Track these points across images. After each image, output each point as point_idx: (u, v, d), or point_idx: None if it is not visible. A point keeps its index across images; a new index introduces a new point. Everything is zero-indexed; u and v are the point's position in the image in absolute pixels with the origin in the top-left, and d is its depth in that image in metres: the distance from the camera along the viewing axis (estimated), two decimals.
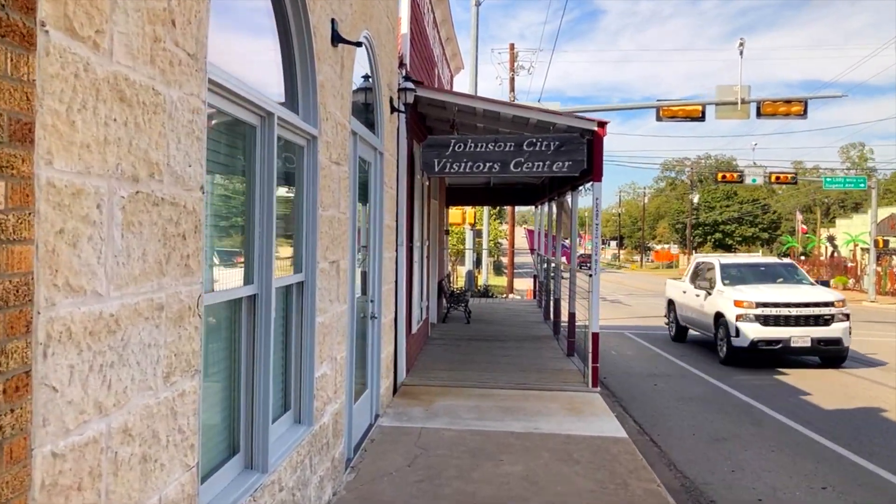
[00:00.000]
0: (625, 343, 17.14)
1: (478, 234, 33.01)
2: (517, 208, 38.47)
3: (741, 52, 21.49)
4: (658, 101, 21.63)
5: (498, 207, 39.64)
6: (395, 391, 8.53)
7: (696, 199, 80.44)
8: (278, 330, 4.08)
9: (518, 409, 7.83)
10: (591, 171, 8.96)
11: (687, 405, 10.59)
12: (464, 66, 18.42)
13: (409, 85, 7.84)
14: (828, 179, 37.94)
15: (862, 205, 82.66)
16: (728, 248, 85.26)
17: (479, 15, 26.64)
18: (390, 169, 7.67)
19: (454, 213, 23.15)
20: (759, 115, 21.73)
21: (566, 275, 12.12)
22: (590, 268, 8.98)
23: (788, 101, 21.47)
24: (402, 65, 8.79)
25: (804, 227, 74.66)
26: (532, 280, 21.99)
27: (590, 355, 8.89)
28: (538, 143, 8.87)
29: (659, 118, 21.70)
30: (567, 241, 13.38)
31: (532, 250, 21.22)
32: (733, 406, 10.55)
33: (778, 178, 36.83)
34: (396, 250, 8.78)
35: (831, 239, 60.96)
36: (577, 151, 8.80)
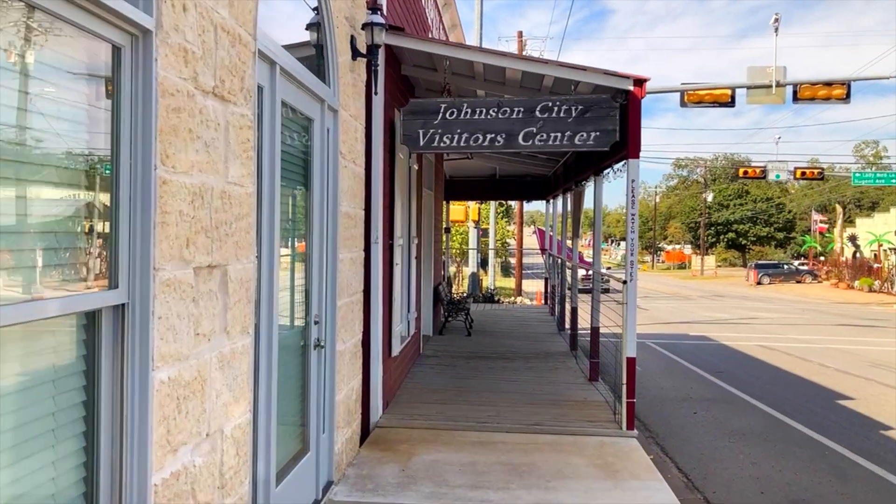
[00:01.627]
0: (649, 356, 14.95)
1: (484, 233, 30.84)
2: (525, 208, 36.25)
3: (776, 29, 19.27)
4: (683, 83, 19.41)
5: (505, 205, 37.45)
6: (364, 437, 6.39)
7: (710, 198, 78.19)
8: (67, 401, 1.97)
9: (529, 467, 5.68)
10: (626, 144, 6.81)
11: (741, 444, 8.41)
12: (465, 41, 16.26)
13: (378, 19, 5.70)
14: (856, 175, 35.77)
15: (879, 204, 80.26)
16: (742, 249, 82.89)
17: (486, 14, 24.50)
18: (351, 136, 5.54)
19: (456, 210, 21.02)
20: (795, 99, 19.48)
21: (586, 280, 9.95)
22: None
23: (830, 84, 19.20)
24: (376, 6, 6.66)
25: (822, 226, 72.14)
26: (543, 283, 19.80)
27: (624, 387, 6.74)
28: (555, 108, 6.72)
29: (683, 103, 19.44)
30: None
31: (543, 251, 19.05)
32: (799, 445, 8.36)
33: (804, 173, 34.44)
34: (367, 249, 6.65)
35: (853, 239, 58.52)
36: (606, 118, 6.65)
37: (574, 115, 6.71)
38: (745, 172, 35.14)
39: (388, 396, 7.45)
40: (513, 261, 39.17)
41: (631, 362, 6.74)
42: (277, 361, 3.84)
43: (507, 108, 6.81)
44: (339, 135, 5.15)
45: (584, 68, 6.78)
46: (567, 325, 12.17)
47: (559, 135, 6.73)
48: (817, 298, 38.10)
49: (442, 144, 6.88)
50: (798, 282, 53.02)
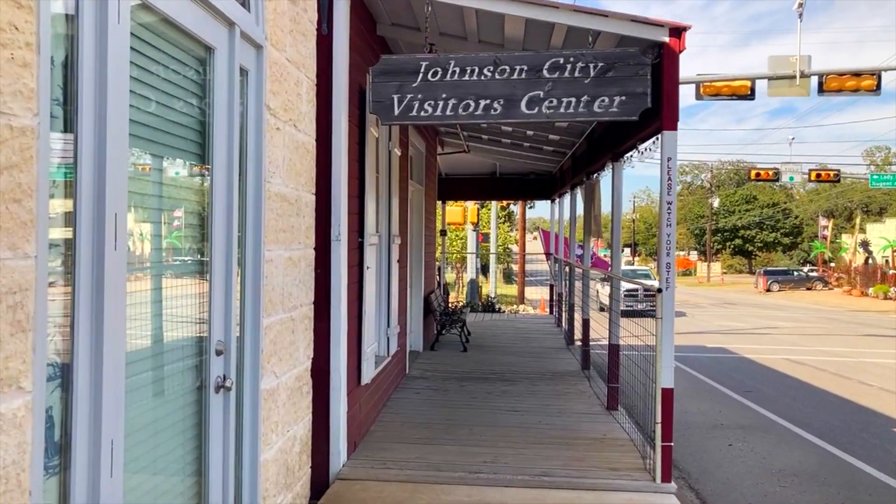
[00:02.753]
0: None
1: (484, 237, 29.27)
2: (528, 215, 34.58)
3: (800, 15, 17.76)
4: (698, 74, 17.88)
5: (507, 209, 35.90)
6: (318, 495, 4.83)
7: (716, 203, 76.61)
8: None
9: None
10: (659, 111, 5.28)
11: (795, 489, 6.84)
12: None
13: None
14: (874, 177, 34.26)
15: (887, 209, 78.70)
16: (748, 255, 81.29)
17: None
18: (288, 88, 4.00)
19: (453, 211, 19.47)
20: (821, 91, 17.94)
21: (601, 286, 8.39)
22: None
23: (858, 74, 17.68)
24: None
25: (828, 232, 70.51)
26: (548, 290, 18.25)
27: (658, 427, 5.18)
28: (568, 66, 5.18)
29: (699, 96, 17.86)
30: (599, 242, 9.67)
31: (547, 254, 17.51)
32: (870, 492, 6.78)
33: (819, 175, 32.99)
34: (323, 248, 5.12)
35: (865, 244, 56.84)
36: (635, 78, 5.11)
37: (593, 74, 5.17)
38: (759, 175, 33.69)
39: (357, 435, 5.89)
40: (515, 267, 37.58)
41: (668, 396, 5.18)
42: (124, 422, 2.29)
43: (507, 67, 5.27)
44: (266, 82, 3.61)
45: (604, 14, 5.24)
46: (577, 339, 10.63)
47: (573, 100, 5.20)
48: (832, 306, 36.51)
49: (423, 114, 5.34)
50: (808, 288, 51.45)
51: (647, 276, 29.70)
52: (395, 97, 5.35)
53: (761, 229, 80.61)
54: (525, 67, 5.25)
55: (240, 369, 3.43)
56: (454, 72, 5.30)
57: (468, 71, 5.29)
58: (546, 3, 5.28)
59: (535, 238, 60.19)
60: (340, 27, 5.25)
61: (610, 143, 7.47)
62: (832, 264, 60.40)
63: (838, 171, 34.16)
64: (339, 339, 5.24)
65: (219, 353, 3.12)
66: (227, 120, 3.22)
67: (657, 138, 5.74)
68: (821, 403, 10.80)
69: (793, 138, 57.87)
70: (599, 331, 9.14)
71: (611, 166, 7.42)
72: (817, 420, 9.62)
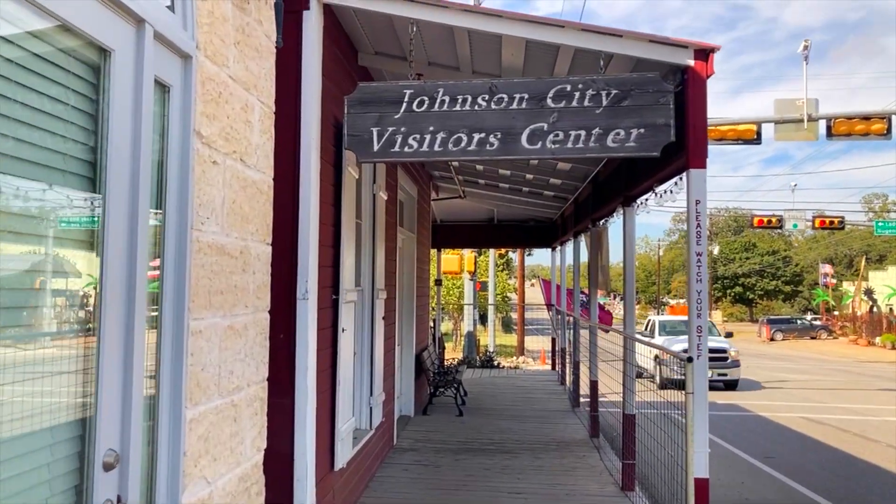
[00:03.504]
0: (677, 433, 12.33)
1: (482, 286, 28.38)
2: (526, 262, 33.66)
3: (806, 58, 17.25)
4: None
5: (505, 256, 35.10)
6: None
7: (716, 251, 75.93)
8: None
9: None
10: (684, 146, 4.49)
11: None
12: None
13: None
14: (879, 224, 33.58)
15: (887, 257, 78.14)
16: (749, 303, 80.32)
17: None
18: (232, 112, 3.19)
19: (449, 260, 18.63)
20: (829, 135, 17.34)
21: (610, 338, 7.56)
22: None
23: (868, 118, 17.09)
24: None
25: (832, 280, 69.72)
26: (549, 342, 17.30)
27: None
28: (577, 93, 4.41)
29: None
30: (619, 299, 8.75)
31: (549, 305, 16.62)
32: None
33: (823, 222, 32.35)
34: (289, 308, 4.29)
35: (869, 293, 55.94)
36: (655, 108, 4.34)
37: (605, 102, 4.40)
38: (761, 222, 33.06)
39: None
40: (514, 316, 36.59)
41: (702, 488, 4.27)
42: None
43: (504, 95, 4.50)
44: (197, 102, 2.81)
45: (618, 33, 4.49)
46: (583, 395, 9.70)
47: (583, 133, 4.41)
48: (839, 356, 35.46)
49: (407, 150, 4.54)
50: (813, 338, 50.36)
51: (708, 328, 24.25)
52: (375, 131, 4.56)
53: (762, 277, 79.91)
54: (526, 96, 4.48)
55: (148, 484, 2.54)
56: (443, 101, 4.53)
57: (459, 100, 4.52)
58: (550, 21, 4.53)
59: (532, 285, 59.32)
60: (310, 49, 4.49)
61: (621, 185, 6.68)
62: (835, 312, 59.42)
63: (842, 217, 33.52)
64: (306, 418, 4.34)
65: (108, 467, 2.24)
66: (132, 146, 2.40)
67: (680, 178, 4.95)
68: (854, 473, 9.79)
69: (795, 185, 57.63)
70: (608, 382, 8.23)
71: (622, 211, 6.61)
72: (856, 496, 8.62)
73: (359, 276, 6.28)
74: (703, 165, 4.41)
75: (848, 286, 64.97)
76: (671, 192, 5.39)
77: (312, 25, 4.52)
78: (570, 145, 4.41)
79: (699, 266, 4.38)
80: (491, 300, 22.50)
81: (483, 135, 4.49)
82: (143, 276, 2.45)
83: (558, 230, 13.62)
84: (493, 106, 4.50)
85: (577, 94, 4.44)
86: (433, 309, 15.90)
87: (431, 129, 4.52)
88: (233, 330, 3.20)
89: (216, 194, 3.02)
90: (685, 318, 17.84)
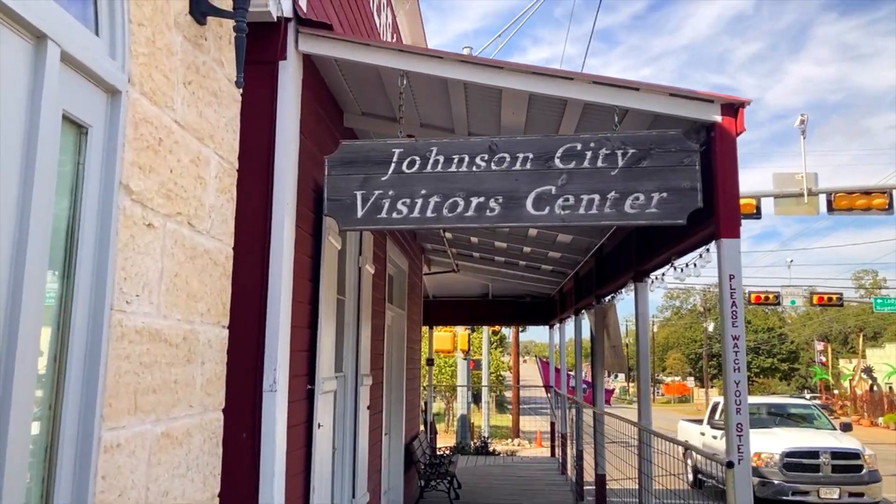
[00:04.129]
0: None
1: (476, 364, 27.47)
2: (520, 337, 32.83)
3: (803, 132, 17.07)
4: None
5: (499, 333, 34.32)
6: None
7: (710, 328, 75.16)
8: None
9: None
10: (712, 213, 3.92)
11: None
12: None
13: None
14: (878, 301, 33.13)
15: (882, 334, 77.56)
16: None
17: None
18: (178, 166, 2.60)
19: (441, 338, 17.88)
20: (830, 209, 17.02)
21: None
22: None
23: (868, 193, 16.80)
24: None
25: (828, 357, 68.83)
26: (549, 427, 16.39)
27: None
28: (588, 153, 3.87)
29: None
30: (613, 376, 8.04)
31: (547, 387, 15.81)
32: None
33: (821, 299, 31.93)
34: (253, 401, 3.61)
35: (869, 371, 55.02)
36: (678, 170, 3.79)
37: (621, 163, 3.85)
38: (759, 298, 32.59)
39: None
40: (508, 394, 35.48)
41: None
42: None
43: (506, 155, 3.94)
44: (126, 149, 2.22)
45: (634, 86, 3.97)
46: (587, 485, 8.84)
47: (596, 198, 3.83)
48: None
49: (395, 216, 3.95)
50: None
51: (809, 416, 13.99)
52: (359, 194, 3.98)
53: (757, 354, 79.03)
54: (530, 155, 3.93)
55: None
56: (437, 161, 3.97)
57: (455, 160, 3.96)
58: (556, 72, 4.02)
59: (525, 361, 58.12)
60: (287, 103, 3.96)
61: (630, 258, 6.09)
62: (835, 392, 58.35)
63: (840, 294, 33.13)
64: None
65: None
66: (18, 202, 1.78)
67: (706, 249, 4.36)
68: None
69: (791, 260, 57.47)
70: (619, 466, 7.42)
71: (633, 287, 6.00)
72: None
73: (340, 360, 5.60)
74: (736, 235, 3.83)
75: (845, 364, 64.17)
76: (695, 265, 4.81)
77: (290, 77, 4.00)
78: (582, 211, 3.83)
79: (736, 351, 3.73)
80: (485, 381, 21.60)
81: (482, 199, 3.91)
82: (28, 381, 1.79)
83: (556, 307, 12.99)
84: (494, 167, 3.94)
85: (588, 154, 3.89)
86: (424, 388, 15.08)
87: (424, 192, 3.94)
88: (169, 438, 2.51)
89: (151, 266, 2.39)
90: (778, 399, 14.93)
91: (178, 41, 2.60)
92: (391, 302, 8.40)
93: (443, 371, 29.61)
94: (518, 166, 3.93)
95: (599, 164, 3.88)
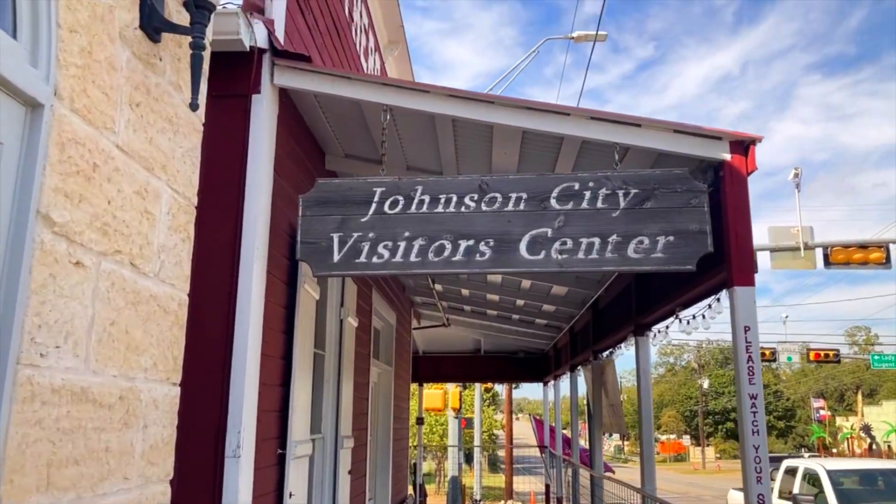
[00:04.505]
0: None
1: (468, 422, 26.72)
2: (513, 394, 32.12)
3: (797, 186, 16.95)
4: None
5: (491, 390, 33.64)
6: None
7: (706, 385, 74.33)
8: None
9: None
10: (722, 258, 3.59)
11: None
12: None
13: None
14: (876, 357, 32.72)
15: (877, 390, 76.83)
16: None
17: None
18: (117, 196, 2.25)
19: (432, 395, 17.32)
20: (827, 263, 16.81)
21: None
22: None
23: (865, 247, 16.61)
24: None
25: (825, 413, 67.99)
26: (544, 489, 15.72)
27: None
28: (587, 192, 3.55)
29: None
30: (607, 434, 7.59)
31: (542, 447, 15.23)
32: None
33: (818, 355, 31.52)
34: (215, 466, 3.19)
35: (867, 429, 54.23)
36: (686, 211, 3.47)
37: (623, 204, 3.53)
38: None
39: None
40: (501, 453, 34.53)
41: None
42: None
43: (498, 195, 3.62)
44: (47, 172, 1.87)
45: (636, 122, 3.68)
46: None
47: (597, 241, 3.50)
48: None
49: (375, 260, 3.59)
50: None
51: None
52: (336, 237, 3.63)
53: None
54: (524, 195, 3.61)
55: None
56: (422, 201, 3.64)
57: (442, 200, 3.63)
58: (552, 107, 3.73)
59: (518, 419, 57.05)
60: (260, 139, 3.64)
61: (629, 311, 5.73)
62: (834, 450, 57.39)
63: (837, 350, 32.77)
64: None
65: None
66: None
67: (716, 299, 4.01)
68: None
69: (787, 316, 57.23)
70: None
71: (634, 342, 5.62)
72: None
73: (318, 420, 5.16)
74: (750, 282, 3.49)
75: (841, 421, 63.35)
76: (703, 316, 4.45)
77: (264, 112, 3.70)
78: (581, 255, 3.49)
79: (755, 412, 3.35)
80: (477, 440, 20.91)
81: (472, 242, 3.57)
82: None
83: (551, 363, 12.55)
84: (485, 207, 3.61)
85: (587, 194, 3.57)
86: (414, 447, 14.48)
87: (407, 234, 3.60)
88: None
89: (78, 312, 2.01)
90: (867, 463, 11.40)
91: (123, 56, 2.28)
92: (377, 357, 7.97)
93: (434, 430, 28.80)
94: (511, 207, 3.60)
95: (599, 204, 3.55)
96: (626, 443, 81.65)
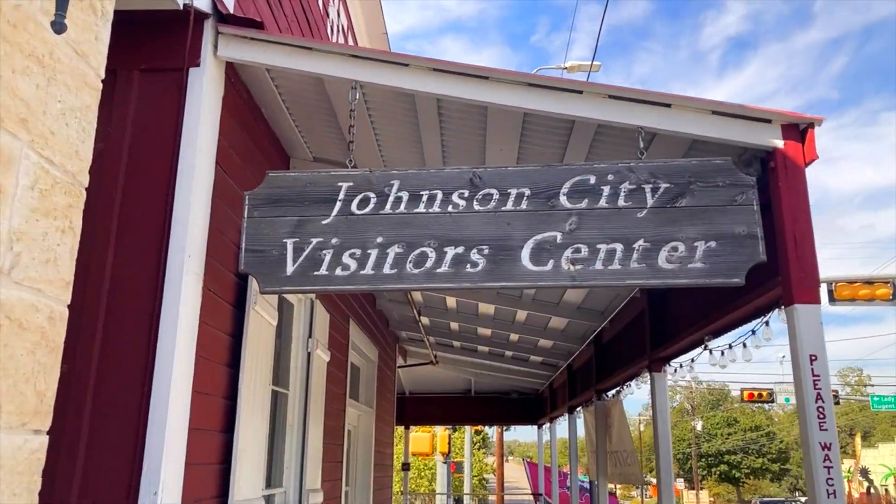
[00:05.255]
0: None
1: (458, 467, 25.61)
2: (505, 436, 30.97)
3: None
4: None
5: (482, 432, 32.53)
6: None
7: (699, 427, 73.00)
8: None
9: None
10: (779, 269, 2.85)
11: None
12: None
13: None
14: (875, 398, 31.91)
15: (871, 433, 75.81)
16: (735, 481, 76.16)
17: None
18: None
19: (419, 438, 16.34)
20: (832, 299, 16.16)
21: None
22: None
23: (871, 283, 15.97)
24: None
25: None
26: None
27: None
28: (606, 187, 2.83)
29: None
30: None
31: (536, 496, 14.26)
32: None
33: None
34: None
35: (865, 472, 53.05)
36: (730, 210, 2.75)
37: (651, 202, 2.80)
38: (752, 395, 31.37)
39: None
40: (492, 498, 33.24)
41: None
42: None
43: (494, 191, 2.89)
44: None
45: (665, 101, 2.97)
46: None
47: (619, 248, 2.76)
48: None
49: (340, 273, 2.83)
50: None
51: None
52: (290, 244, 2.87)
53: (747, 454, 76.66)
54: (527, 191, 2.88)
55: None
56: (399, 199, 2.90)
57: (424, 198, 2.90)
58: (561, 83, 3.02)
59: (508, 461, 55.66)
60: (199, 121, 2.91)
61: (644, 342, 4.96)
62: None
63: (836, 391, 31.97)
64: None
65: None
66: None
67: (764, 322, 3.26)
68: None
69: (783, 356, 56.39)
70: None
71: (649, 378, 4.84)
72: None
73: (279, 472, 4.33)
74: (815, 299, 2.75)
75: (855, 464, 62.22)
76: (745, 345, 3.67)
77: (205, 90, 2.97)
78: (598, 266, 2.75)
79: (829, 467, 2.57)
80: (467, 486, 19.84)
81: (461, 250, 2.82)
82: None
83: (546, 404, 11.69)
84: (477, 206, 2.87)
85: (606, 190, 2.84)
86: (400, 494, 13.50)
87: (380, 240, 2.85)
88: None
89: None
90: None
91: None
92: (356, 398, 7.15)
93: (422, 474, 27.61)
94: (510, 206, 2.86)
95: (622, 202, 2.82)
96: (618, 487, 79.82)
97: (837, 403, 32.61)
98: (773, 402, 31.31)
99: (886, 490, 49.70)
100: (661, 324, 4.64)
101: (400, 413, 12.11)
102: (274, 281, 2.84)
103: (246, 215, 2.91)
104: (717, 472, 76.26)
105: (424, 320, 8.18)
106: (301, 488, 4.53)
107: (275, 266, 2.84)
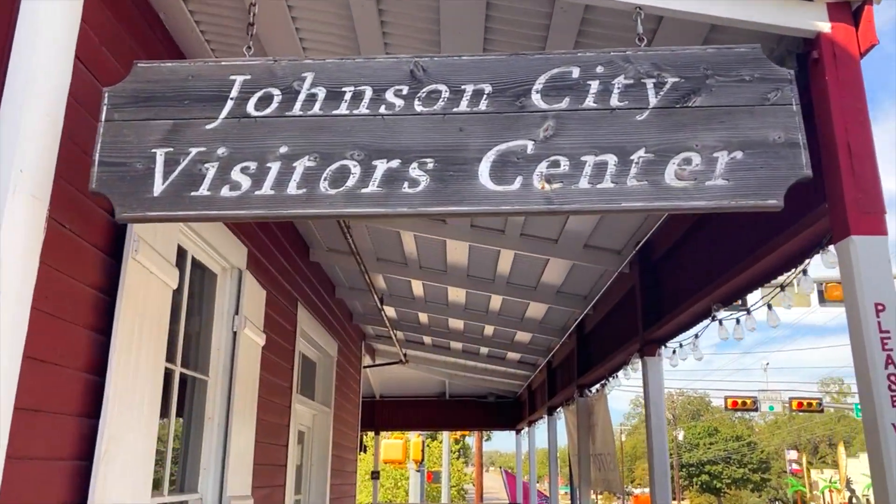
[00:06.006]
0: None
1: (435, 476, 24.75)
2: (485, 446, 30.18)
3: None
4: None
5: (461, 441, 31.64)
6: None
7: (681, 436, 72.51)
8: None
9: None
10: (826, 191, 2.11)
11: None
12: None
13: None
14: (859, 406, 31.41)
15: (851, 442, 75.75)
16: (717, 492, 75.73)
17: None
18: None
19: (391, 446, 15.45)
20: (822, 300, 15.68)
21: None
22: None
23: None
24: None
25: (797, 467, 66.61)
26: None
27: None
28: (594, 81, 2.09)
29: None
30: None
31: None
32: None
33: (801, 404, 30.42)
34: None
35: (848, 483, 52.64)
36: (762, 111, 2.02)
37: (655, 100, 2.05)
38: (735, 404, 30.92)
39: None
40: None
41: None
42: None
43: (444, 87, 2.12)
44: None
45: None
46: None
47: (611, 160, 2.00)
48: None
49: (227, 194, 2.05)
50: None
51: None
52: (160, 154, 2.09)
53: (728, 464, 76.34)
54: (487, 88, 2.12)
55: None
56: (312, 97, 2.13)
57: (347, 96, 2.13)
58: None
59: (488, 471, 54.79)
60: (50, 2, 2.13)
61: (638, 321, 4.20)
62: None
63: (820, 399, 31.67)
64: None
65: None
66: None
67: (803, 270, 2.52)
68: None
69: (767, 363, 56.13)
70: None
71: (641, 362, 4.08)
72: None
73: (189, 474, 3.52)
74: (880, 229, 2.01)
75: (816, 474, 62.07)
76: (770, 306, 2.89)
77: None
78: (584, 184, 1.99)
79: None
80: (445, 496, 18.93)
81: (396, 163, 2.05)
82: None
83: (524, 408, 10.93)
84: (420, 107, 2.11)
85: (594, 86, 2.09)
86: None
87: (284, 150, 2.07)
88: None
89: None
90: None
91: None
92: (310, 396, 6.34)
93: (399, 484, 26.67)
94: (464, 107, 2.10)
95: (615, 102, 2.08)
96: (599, 496, 79.05)
97: (821, 411, 32.23)
98: (757, 410, 30.83)
99: (868, 500, 49.40)
100: (657, 298, 3.89)
101: (371, 418, 11.28)
102: (136, 204, 2.05)
103: (103, 118, 2.13)
104: (699, 483, 75.85)
105: (390, 311, 7.39)
106: (222, 494, 3.71)
107: (138, 184, 2.06)
